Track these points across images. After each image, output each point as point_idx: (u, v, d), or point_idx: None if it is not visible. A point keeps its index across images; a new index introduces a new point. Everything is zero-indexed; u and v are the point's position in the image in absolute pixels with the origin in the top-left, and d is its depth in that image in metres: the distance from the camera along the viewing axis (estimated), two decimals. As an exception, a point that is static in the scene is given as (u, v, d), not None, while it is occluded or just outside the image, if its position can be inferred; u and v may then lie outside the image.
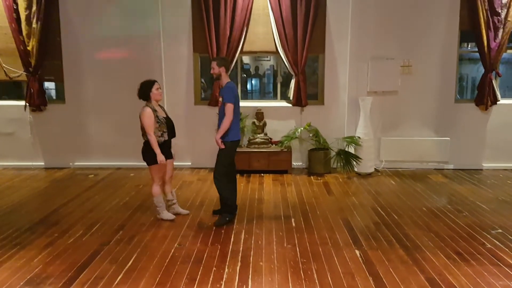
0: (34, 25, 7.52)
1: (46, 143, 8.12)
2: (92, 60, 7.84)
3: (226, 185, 5.25)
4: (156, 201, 5.25)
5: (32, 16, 7.52)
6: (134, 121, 7.93)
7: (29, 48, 7.61)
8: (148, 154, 5.10)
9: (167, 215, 5.29)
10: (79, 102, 7.99)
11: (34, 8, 7.48)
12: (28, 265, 4.07)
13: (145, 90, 5.09)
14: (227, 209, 5.23)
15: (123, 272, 3.92)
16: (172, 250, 4.39)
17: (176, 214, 5.42)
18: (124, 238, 4.73)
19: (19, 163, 8.11)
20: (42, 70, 7.82)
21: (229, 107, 5.02)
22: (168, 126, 5.15)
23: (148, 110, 5.01)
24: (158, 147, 5.02)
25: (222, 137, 5.12)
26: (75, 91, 7.97)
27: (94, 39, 7.79)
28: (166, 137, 5.15)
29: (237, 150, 5.43)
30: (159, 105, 5.23)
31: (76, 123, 8.03)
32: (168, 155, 5.25)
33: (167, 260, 4.16)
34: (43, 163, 8.15)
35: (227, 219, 5.18)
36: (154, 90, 5.09)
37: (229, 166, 5.29)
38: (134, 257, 4.24)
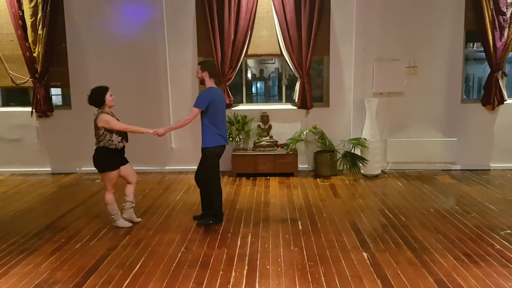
0: (40, 32, 7.57)
1: (53, 149, 8.16)
2: (97, 66, 7.87)
3: (220, 190, 5.31)
4: (111, 209, 5.16)
5: (37, 23, 7.57)
6: (139, 126, 7.99)
7: (35, 54, 7.66)
8: (100, 161, 5.03)
9: (123, 222, 5.22)
10: (85, 108, 7.91)
11: (39, 14, 7.53)
12: (35, 271, 4.08)
13: (98, 96, 4.99)
14: (214, 214, 5.27)
15: (130, 276, 3.92)
16: (179, 254, 4.39)
17: (129, 220, 5.32)
18: (131, 242, 4.73)
19: (26, 169, 8.15)
20: (48, 76, 7.86)
21: (193, 111, 5.04)
22: (123, 132, 5.09)
23: (106, 115, 4.94)
24: (143, 128, 5.12)
25: (203, 143, 5.13)
26: (81, 97, 7.97)
27: (99, 45, 7.83)
28: (124, 142, 5.14)
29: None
30: (111, 112, 5.11)
31: (82, 128, 8.04)
32: (124, 160, 5.20)
33: (174, 264, 4.16)
34: (50, 169, 8.19)
35: (211, 222, 5.22)
36: (108, 96, 5.01)
37: (217, 172, 5.26)
38: (141, 261, 4.24)
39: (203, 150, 5.17)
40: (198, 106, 5.02)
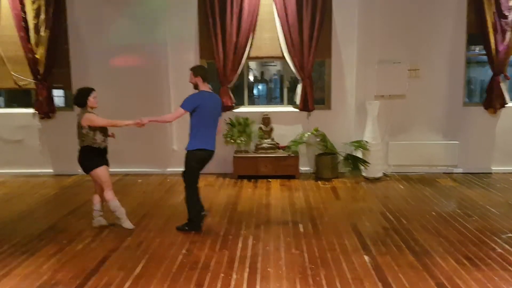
0: (42, 33, 7.60)
1: (55, 150, 8.17)
2: (99, 67, 7.88)
3: (195, 196, 5.12)
4: (113, 206, 5.16)
5: (40, 25, 7.59)
6: (141, 128, 7.98)
7: (37, 56, 7.68)
8: (85, 161, 5.06)
9: (128, 224, 5.22)
10: (87, 109, 8.02)
11: (42, 16, 7.55)
12: (37, 272, 4.08)
13: (82, 97, 5.04)
14: (190, 219, 5.11)
15: (131, 278, 3.92)
16: (180, 257, 4.39)
17: (101, 226, 5.29)
18: (132, 244, 4.73)
19: (28, 171, 8.15)
20: (50, 78, 7.88)
21: (178, 111, 4.96)
22: (106, 132, 5.14)
23: (90, 114, 4.98)
24: (126, 120, 5.05)
25: (187, 146, 5.03)
26: (83, 98, 8.01)
27: (101, 46, 7.83)
28: (107, 142, 5.15)
29: (208, 160, 5.13)
30: (94, 113, 5.12)
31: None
32: (106, 161, 5.20)
33: (174, 267, 4.16)
34: (51, 170, 8.20)
35: (186, 228, 5.08)
36: (91, 98, 5.03)
37: (194, 177, 5.09)
38: (142, 263, 4.24)
39: (186, 153, 5.05)
40: (183, 106, 4.93)
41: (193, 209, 5.10)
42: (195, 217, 5.11)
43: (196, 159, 5.02)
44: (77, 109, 7.80)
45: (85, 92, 5.05)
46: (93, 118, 4.96)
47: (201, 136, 5.01)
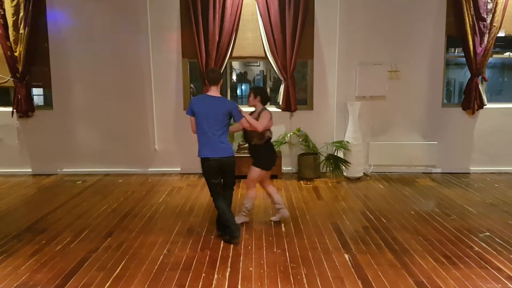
0: (21, 31, 7.47)
1: (34, 150, 8.04)
2: (80, 66, 7.79)
3: (218, 205, 4.86)
4: (249, 202, 5.34)
5: (19, 22, 7.46)
6: (122, 127, 7.93)
7: (16, 54, 7.55)
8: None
9: (243, 218, 5.35)
10: (67, 108, 7.93)
11: (21, 13, 7.43)
12: (15, 273, 4.01)
13: (267, 96, 5.51)
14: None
15: (111, 279, 3.89)
16: (161, 257, 4.36)
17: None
18: (112, 245, 4.69)
19: (6, 170, 8.00)
20: (29, 76, 7.75)
21: (190, 120, 4.82)
22: (247, 137, 5.49)
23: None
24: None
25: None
26: (63, 97, 7.91)
27: (82, 45, 7.74)
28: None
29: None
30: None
31: (64, 129, 7.97)
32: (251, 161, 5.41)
33: (155, 267, 4.13)
34: (30, 170, 8.07)
35: (227, 237, 4.77)
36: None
37: (209, 184, 4.87)
38: (122, 264, 4.20)
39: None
40: (187, 113, 4.81)
41: (221, 215, 4.85)
42: (227, 224, 4.76)
43: (203, 169, 4.81)
44: (56, 108, 7.89)
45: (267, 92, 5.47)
46: (269, 117, 5.41)
47: (200, 143, 4.76)
